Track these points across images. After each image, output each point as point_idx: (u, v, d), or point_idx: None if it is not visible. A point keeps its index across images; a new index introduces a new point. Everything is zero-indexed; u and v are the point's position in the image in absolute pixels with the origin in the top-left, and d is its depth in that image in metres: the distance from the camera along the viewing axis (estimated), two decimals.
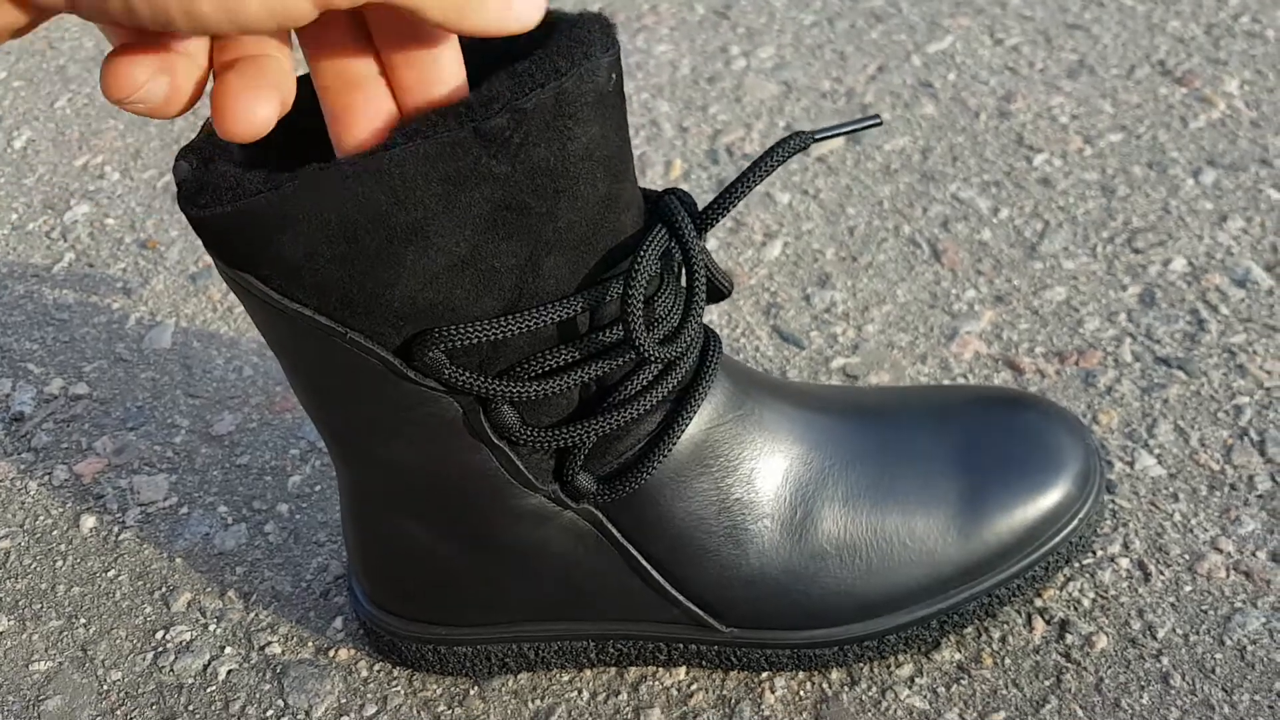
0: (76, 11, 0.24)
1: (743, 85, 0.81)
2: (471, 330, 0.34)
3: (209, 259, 0.69)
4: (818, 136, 0.37)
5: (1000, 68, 0.81)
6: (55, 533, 0.54)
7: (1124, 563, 0.49)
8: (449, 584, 0.43)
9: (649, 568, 0.42)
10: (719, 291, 0.40)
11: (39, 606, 0.51)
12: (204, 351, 0.63)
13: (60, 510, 0.55)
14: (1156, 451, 0.53)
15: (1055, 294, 0.62)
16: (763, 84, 0.81)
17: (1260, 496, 0.51)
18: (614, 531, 0.41)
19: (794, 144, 0.37)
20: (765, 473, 0.42)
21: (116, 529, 0.54)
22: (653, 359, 0.36)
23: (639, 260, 0.35)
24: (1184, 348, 0.58)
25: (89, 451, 0.58)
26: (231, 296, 0.67)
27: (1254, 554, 0.49)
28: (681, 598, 0.43)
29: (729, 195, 0.37)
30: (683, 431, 0.39)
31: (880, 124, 0.37)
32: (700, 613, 0.43)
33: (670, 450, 0.39)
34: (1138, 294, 0.61)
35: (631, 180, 0.35)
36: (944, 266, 0.65)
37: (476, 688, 0.46)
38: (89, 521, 0.55)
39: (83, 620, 0.50)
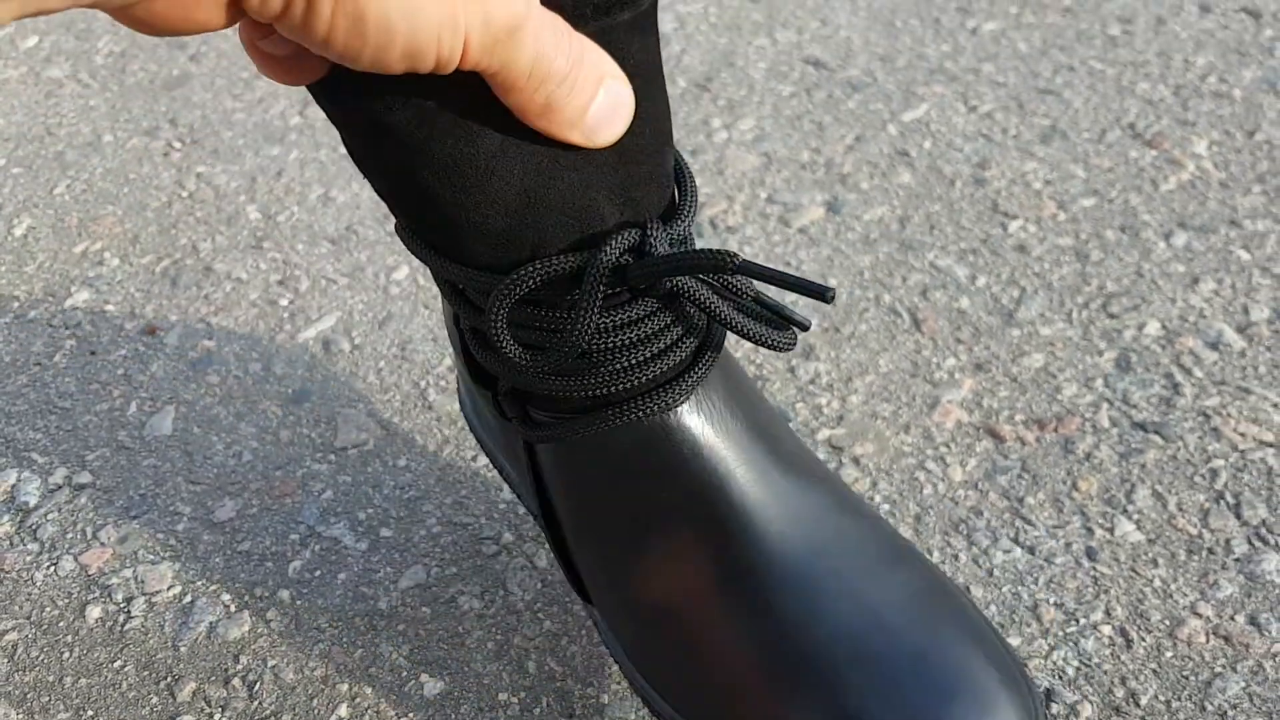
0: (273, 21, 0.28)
1: (724, 157, 0.84)
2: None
3: (209, 343, 0.71)
4: (746, 266, 0.35)
5: (974, 134, 0.84)
6: (62, 624, 0.55)
7: (1106, 630, 0.50)
8: None
9: (550, 517, 0.44)
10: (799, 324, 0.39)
11: (47, 699, 0.52)
12: (204, 437, 0.65)
13: (66, 601, 0.57)
14: (1135, 517, 0.54)
15: (1033, 361, 0.64)
16: (744, 156, 0.84)
17: (1237, 560, 0.52)
18: (531, 461, 0.43)
19: (717, 261, 0.35)
20: (684, 517, 0.40)
21: (122, 619, 0.55)
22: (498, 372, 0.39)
23: (514, 278, 0.36)
24: (1160, 412, 0.60)
25: (94, 541, 0.60)
26: (232, 379, 0.68)
27: (1232, 618, 0.50)
28: (564, 558, 0.45)
29: (645, 267, 0.37)
30: (604, 425, 0.39)
31: (830, 300, 0.35)
32: (577, 579, 0.44)
33: (583, 432, 0.39)
34: (1113, 359, 0.63)
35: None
36: (924, 335, 0.66)
37: None
38: (94, 612, 0.56)
39: (90, 712, 0.51)
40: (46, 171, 0.90)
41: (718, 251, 0.35)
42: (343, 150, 0.89)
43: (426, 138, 0.34)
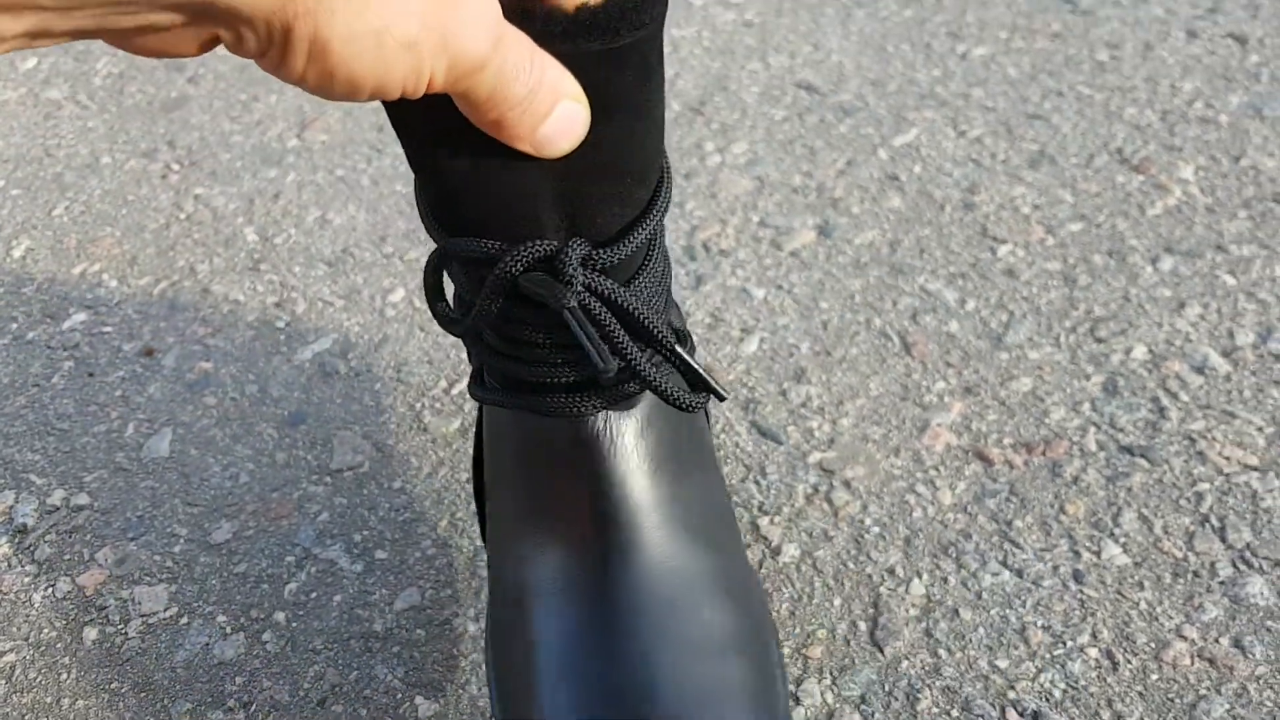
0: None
1: (717, 181, 0.84)
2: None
3: (206, 365, 0.72)
4: (575, 314, 0.38)
5: (964, 159, 0.85)
6: (59, 645, 0.56)
7: (1093, 652, 0.51)
8: None
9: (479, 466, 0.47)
10: (718, 394, 0.42)
11: None
12: (201, 459, 0.65)
13: (64, 623, 0.57)
14: (1122, 540, 0.55)
15: (1021, 384, 0.64)
16: (737, 179, 0.85)
17: (1222, 583, 0.53)
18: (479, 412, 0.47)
19: (553, 296, 0.38)
20: (557, 518, 0.42)
21: (119, 640, 0.56)
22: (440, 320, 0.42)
23: (443, 247, 0.39)
24: (1146, 436, 0.60)
25: (91, 563, 0.60)
26: (229, 400, 0.69)
27: (1217, 640, 0.51)
28: (481, 511, 0.48)
29: (532, 281, 0.39)
30: (514, 407, 0.42)
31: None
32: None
33: (500, 404, 0.43)
34: (1101, 383, 0.64)
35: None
36: (914, 359, 0.67)
37: None
38: (91, 634, 0.56)
39: None
40: (45, 193, 0.91)
41: (559, 288, 0.37)
42: (339, 173, 0.90)
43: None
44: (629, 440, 0.42)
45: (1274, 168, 0.80)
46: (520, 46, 0.33)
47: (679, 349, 0.41)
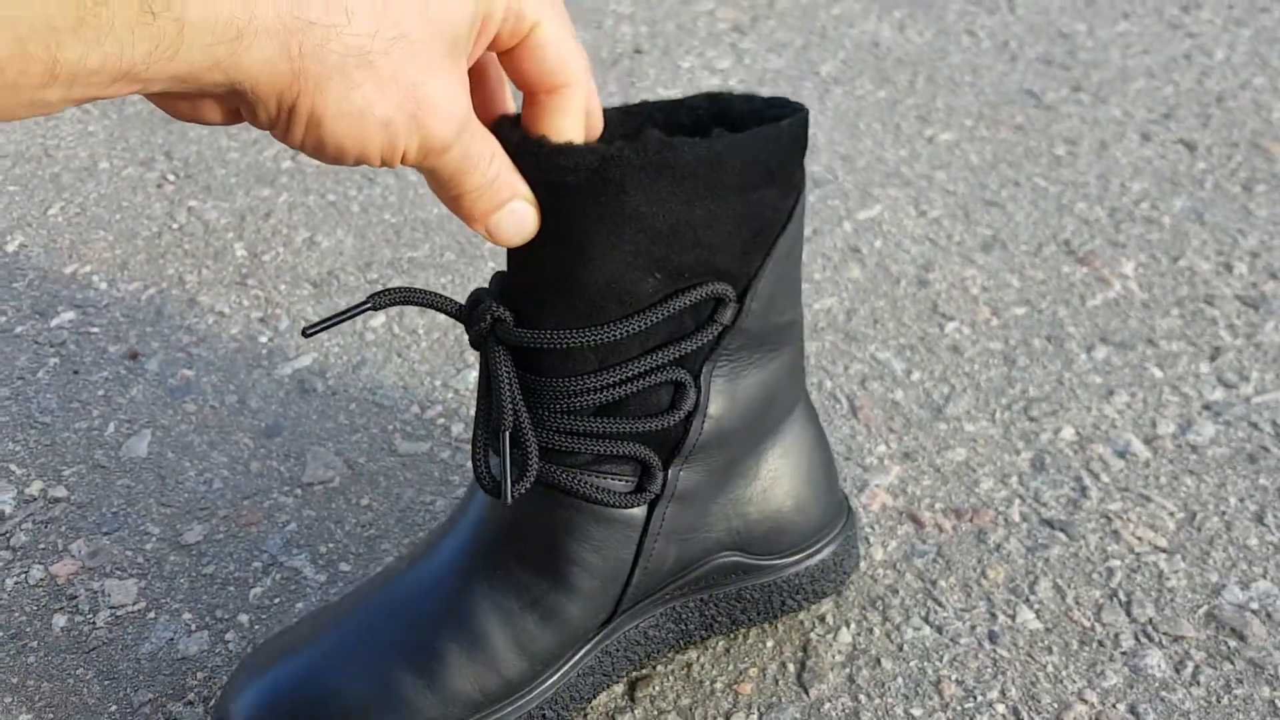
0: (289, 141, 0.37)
1: None
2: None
3: (188, 372, 0.75)
4: (308, 332, 0.43)
5: (922, 238, 0.90)
6: (29, 630, 0.58)
7: (1000, 708, 0.55)
8: None
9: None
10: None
11: (9, 700, 0.55)
12: (177, 462, 0.68)
13: (34, 608, 0.60)
14: (1036, 607, 0.60)
15: (956, 454, 0.69)
16: None
17: (1124, 653, 0.57)
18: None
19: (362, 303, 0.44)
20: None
21: (87, 629, 0.59)
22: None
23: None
24: (1067, 511, 0.65)
25: (64, 553, 0.63)
26: (208, 408, 0.72)
27: (1114, 705, 0.55)
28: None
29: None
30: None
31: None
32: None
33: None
34: (1029, 459, 0.69)
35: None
36: (859, 422, 0.72)
37: None
38: (60, 620, 0.59)
39: (50, 715, 0.54)
40: (42, 192, 0.93)
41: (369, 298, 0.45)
42: (330, 198, 0.93)
43: None
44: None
45: (1208, 270, 0.86)
46: (485, 141, 0.40)
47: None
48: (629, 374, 0.46)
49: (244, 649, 0.57)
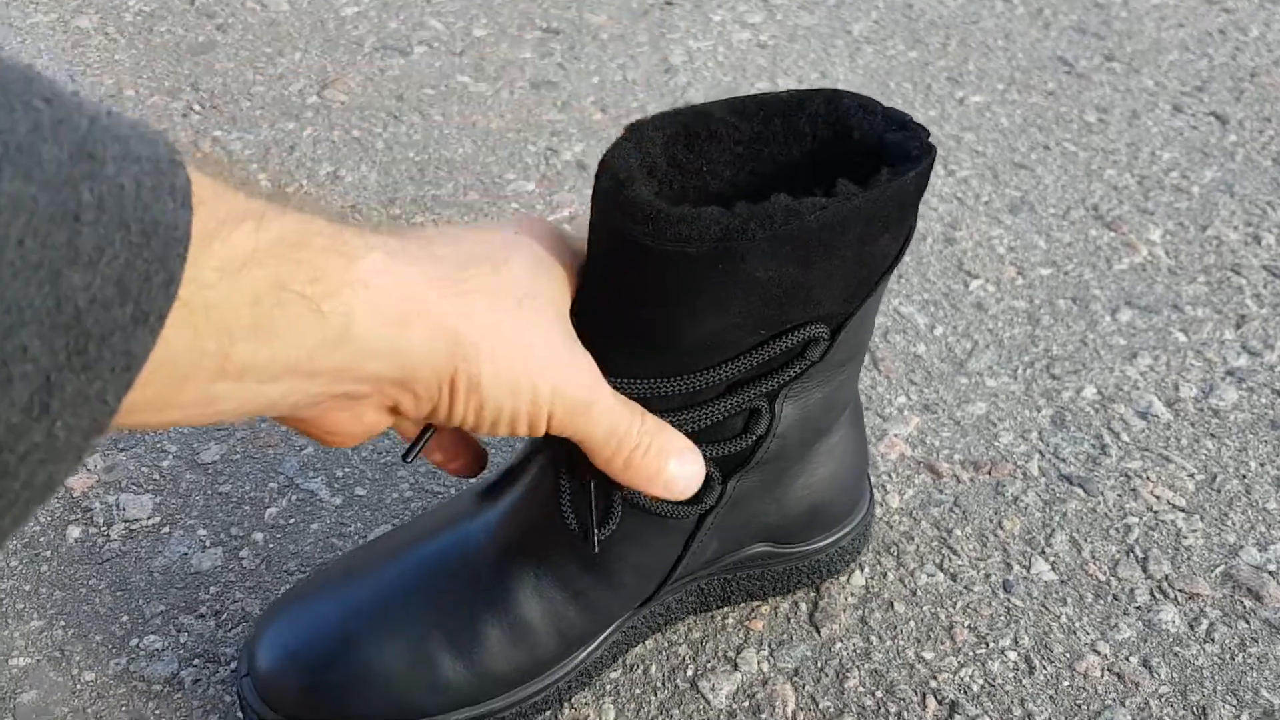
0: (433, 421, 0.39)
1: None
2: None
3: None
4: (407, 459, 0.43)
5: (950, 196, 0.89)
6: (43, 539, 0.59)
7: (1012, 655, 0.55)
8: None
9: None
10: None
11: (22, 606, 0.55)
12: None
13: (48, 519, 0.60)
14: (1051, 559, 0.59)
15: (976, 408, 0.69)
16: None
17: (1139, 608, 0.57)
18: None
19: None
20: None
21: (101, 541, 0.59)
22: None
23: None
24: (1086, 468, 0.65)
25: (80, 466, 0.63)
26: None
27: (1127, 658, 0.55)
28: None
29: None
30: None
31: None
32: None
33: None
34: (1050, 415, 0.68)
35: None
36: (880, 373, 0.71)
37: None
38: (75, 532, 0.59)
39: (62, 622, 0.54)
40: None
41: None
42: (355, 133, 0.93)
43: None
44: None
45: (1236, 240, 0.85)
46: (630, 406, 0.42)
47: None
48: (714, 412, 0.45)
49: (259, 566, 0.57)
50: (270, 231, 0.30)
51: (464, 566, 0.49)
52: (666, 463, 0.42)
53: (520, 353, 0.37)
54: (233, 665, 0.53)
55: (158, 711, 0.51)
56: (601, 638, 0.51)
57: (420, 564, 0.49)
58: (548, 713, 0.51)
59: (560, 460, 0.47)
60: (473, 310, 0.36)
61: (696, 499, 0.48)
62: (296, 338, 0.31)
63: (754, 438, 0.47)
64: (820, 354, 0.45)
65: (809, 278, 0.40)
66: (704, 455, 0.45)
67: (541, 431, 0.39)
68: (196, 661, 0.53)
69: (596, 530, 0.46)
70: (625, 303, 0.41)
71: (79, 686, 0.52)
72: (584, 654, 0.51)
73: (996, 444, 0.66)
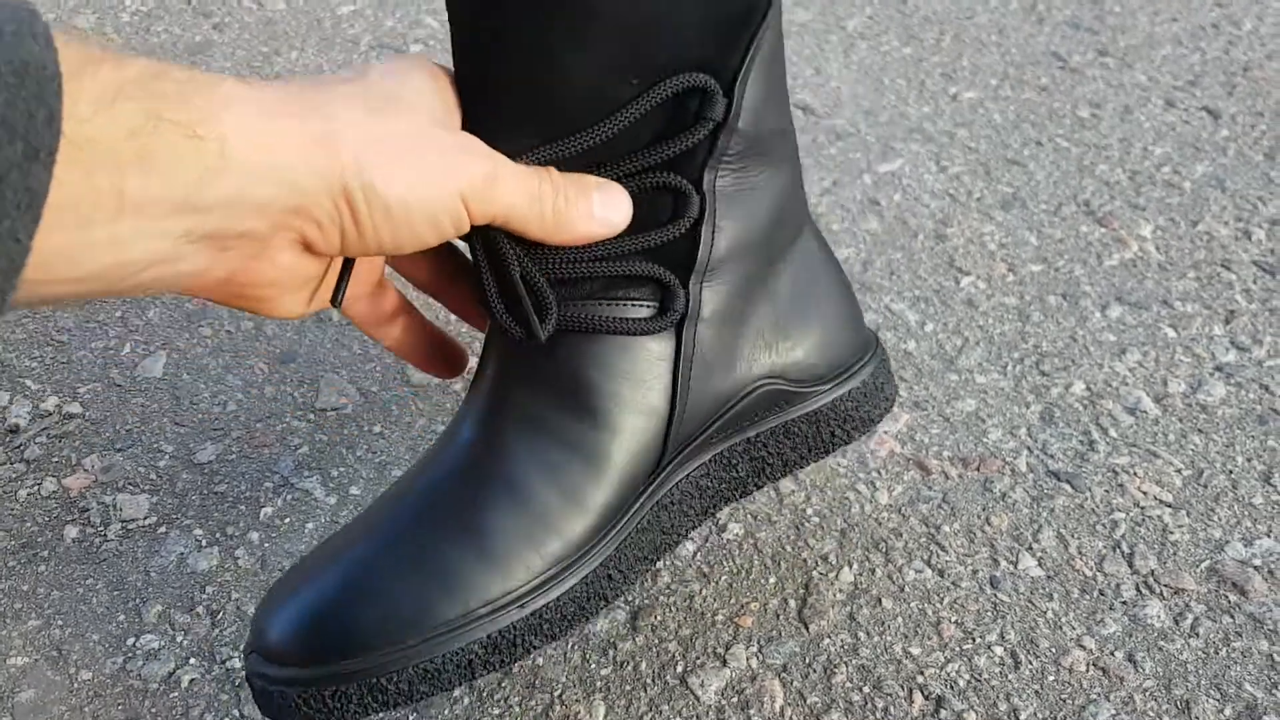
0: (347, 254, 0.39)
1: None
2: None
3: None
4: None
5: (941, 193, 0.89)
6: (40, 540, 0.59)
7: (998, 650, 0.55)
8: None
9: None
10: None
11: (19, 606, 0.56)
12: (192, 384, 0.69)
13: (46, 519, 0.60)
14: (1038, 555, 0.60)
15: (966, 405, 0.69)
16: None
17: (1124, 603, 0.58)
18: None
19: None
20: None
21: (98, 541, 0.59)
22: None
23: None
24: (1074, 464, 0.65)
25: (77, 467, 0.63)
26: (224, 333, 0.72)
27: (1112, 653, 0.55)
28: None
29: None
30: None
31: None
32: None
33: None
34: (1039, 412, 0.69)
35: None
36: None
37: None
38: (72, 532, 0.60)
39: (60, 622, 0.55)
40: None
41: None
42: None
43: None
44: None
45: (1226, 235, 0.85)
46: (523, 167, 0.42)
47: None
48: (617, 176, 0.45)
49: (255, 566, 0.58)
50: (130, 69, 0.31)
51: (455, 469, 0.47)
52: (590, 198, 0.43)
53: (404, 150, 0.38)
54: (230, 664, 0.53)
55: (154, 710, 0.51)
56: (627, 513, 0.48)
57: (413, 494, 0.47)
58: (602, 612, 0.50)
59: (482, 263, 0.45)
60: (339, 117, 0.36)
61: (662, 309, 0.47)
62: (180, 168, 0.32)
63: (687, 223, 0.46)
64: (721, 113, 0.44)
65: (656, 6, 0.41)
66: (638, 247, 0.46)
67: (466, 224, 0.39)
68: (193, 661, 0.53)
69: (535, 319, 0.45)
70: (491, 63, 0.42)
71: (76, 685, 0.52)
72: (613, 532, 0.48)
73: (985, 440, 0.67)
